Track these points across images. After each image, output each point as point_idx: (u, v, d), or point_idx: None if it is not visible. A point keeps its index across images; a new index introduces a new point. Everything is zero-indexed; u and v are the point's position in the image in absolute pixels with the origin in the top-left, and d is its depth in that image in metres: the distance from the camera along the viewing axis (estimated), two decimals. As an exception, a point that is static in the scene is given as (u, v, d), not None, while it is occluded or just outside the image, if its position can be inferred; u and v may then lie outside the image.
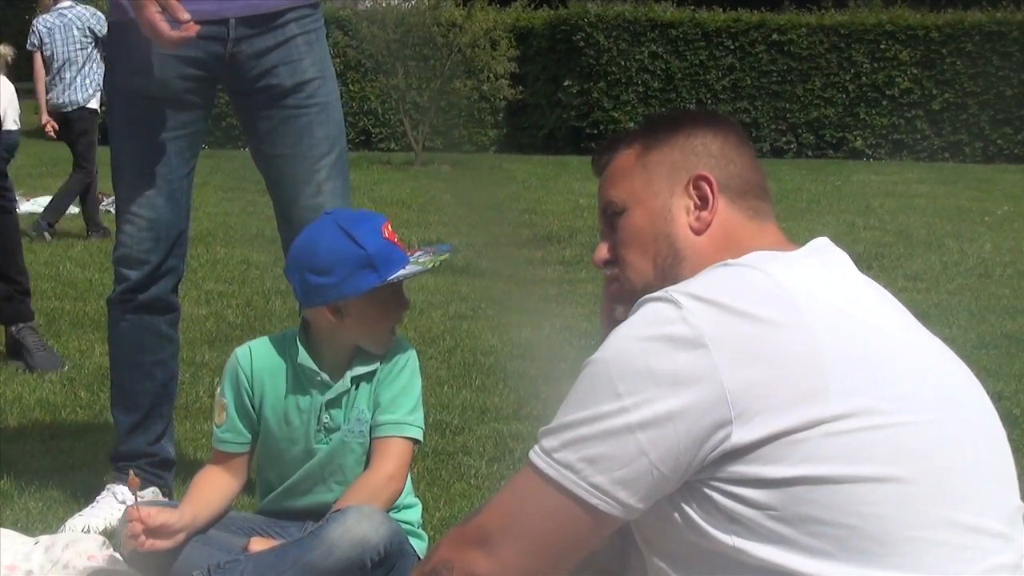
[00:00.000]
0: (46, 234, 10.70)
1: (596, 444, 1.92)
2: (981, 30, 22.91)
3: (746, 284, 1.98)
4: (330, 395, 3.24)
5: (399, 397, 3.25)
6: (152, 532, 3.07)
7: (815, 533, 1.87)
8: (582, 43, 22.37)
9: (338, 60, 22.23)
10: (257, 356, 3.31)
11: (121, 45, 3.80)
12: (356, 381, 3.25)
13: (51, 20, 11.26)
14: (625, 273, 2.22)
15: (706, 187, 2.16)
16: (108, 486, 3.95)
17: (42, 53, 11.32)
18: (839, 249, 2.15)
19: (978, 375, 2.10)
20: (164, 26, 3.61)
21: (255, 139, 3.96)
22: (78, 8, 11.35)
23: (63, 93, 11.20)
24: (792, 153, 22.72)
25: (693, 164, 2.18)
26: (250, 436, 3.31)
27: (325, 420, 3.25)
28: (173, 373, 4.07)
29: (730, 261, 2.04)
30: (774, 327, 1.91)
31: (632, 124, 21.65)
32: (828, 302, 1.98)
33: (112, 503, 3.86)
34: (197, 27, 3.64)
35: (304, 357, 3.24)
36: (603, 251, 2.27)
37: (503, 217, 12.55)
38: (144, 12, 3.61)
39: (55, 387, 5.45)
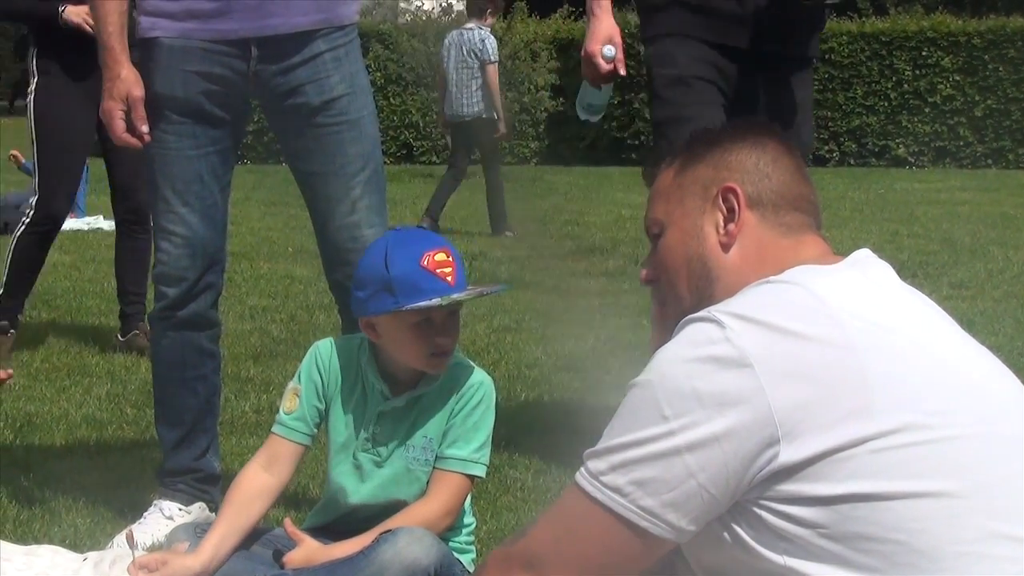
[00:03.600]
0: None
1: (644, 467, 1.92)
2: (1023, 35, 22.81)
3: (788, 301, 1.97)
4: (383, 407, 3.24)
5: (470, 432, 3.23)
6: None
7: (865, 550, 1.86)
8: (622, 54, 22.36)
9: (379, 74, 22.35)
10: (337, 351, 3.32)
11: (147, 62, 3.82)
12: (414, 401, 3.24)
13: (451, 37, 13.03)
14: (664, 294, 2.22)
15: (733, 199, 2.16)
16: (155, 502, 3.96)
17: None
18: (882, 260, 2.14)
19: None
20: (120, 124, 3.72)
21: (289, 156, 3.96)
22: (470, 32, 12.80)
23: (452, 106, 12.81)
24: (835, 162, 22.68)
25: (724, 178, 2.18)
26: (314, 429, 3.31)
27: (375, 431, 3.25)
28: (216, 388, 4.07)
29: (772, 278, 2.03)
30: (818, 344, 1.90)
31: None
32: (871, 317, 1.97)
33: (160, 519, 3.87)
34: (149, 139, 3.72)
35: (368, 363, 3.25)
36: (644, 272, 2.28)
37: (546, 229, 12.55)
38: (106, 103, 3.73)
39: (101, 403, 5.48)
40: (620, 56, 4.29)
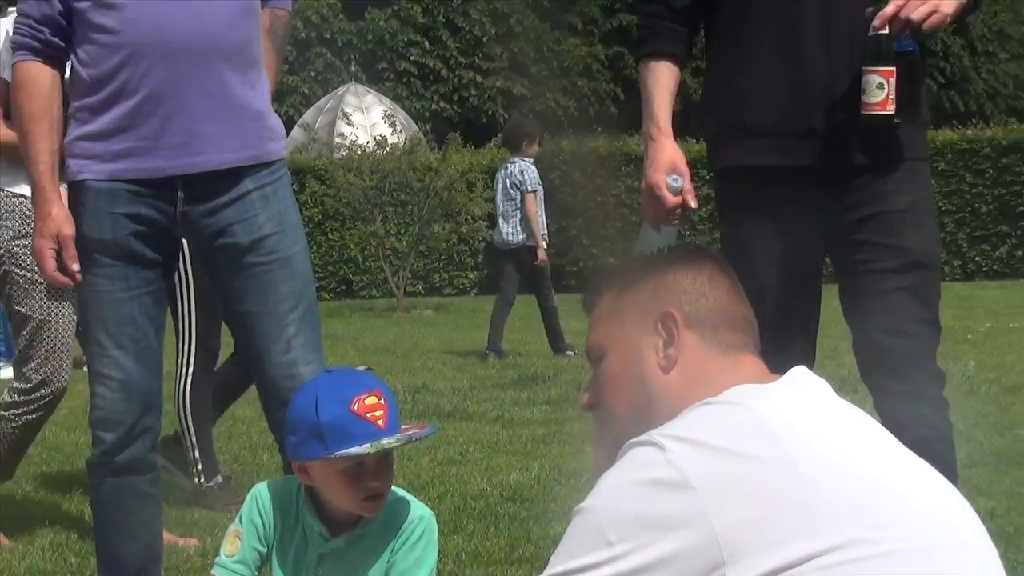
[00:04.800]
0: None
1: None
2: (953, 148, 23.15)
3: (727, 422, 1.97)
4: (323, 549, 3.20)
5: (413, 568, 3.19)
6: None
7: None
8: (558, 180, 22.53)
9: (316, 210, 22.42)
10: (276, 493, 3.28)
11: (76, 205, 3.81)
12: (355, 541, 3.20)
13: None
14: (605, 417, 2.22)
15: (672, 323, 2.17)
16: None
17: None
18: (818, 377, 2.15)
19: (968, 494, 2.09)
20: (51, 263, 3.74)
21: (222, 296, 3.95)
22: (513, 165, 13.20)
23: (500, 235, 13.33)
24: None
25: (663, 301, 2.19)
26: (256, 572, 3.27)
27: (318, 573, 3.21)
28: (157, 533, 4.02)
29: (711, 399, 2.04)
30: (758, 463, 1.90)
31: (612, 259, 21.76)
32: (810, 434, 1.97)
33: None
34: (79, 278, 3.74)
35: (306, 505, 3.22)
36: (585, 397, 2.28)
37: (487, 359, 12.55)
38: (37, 241, 3.75)
39: (45, 554, 5.39)
40: (688, 186, 3.67)
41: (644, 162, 3.73)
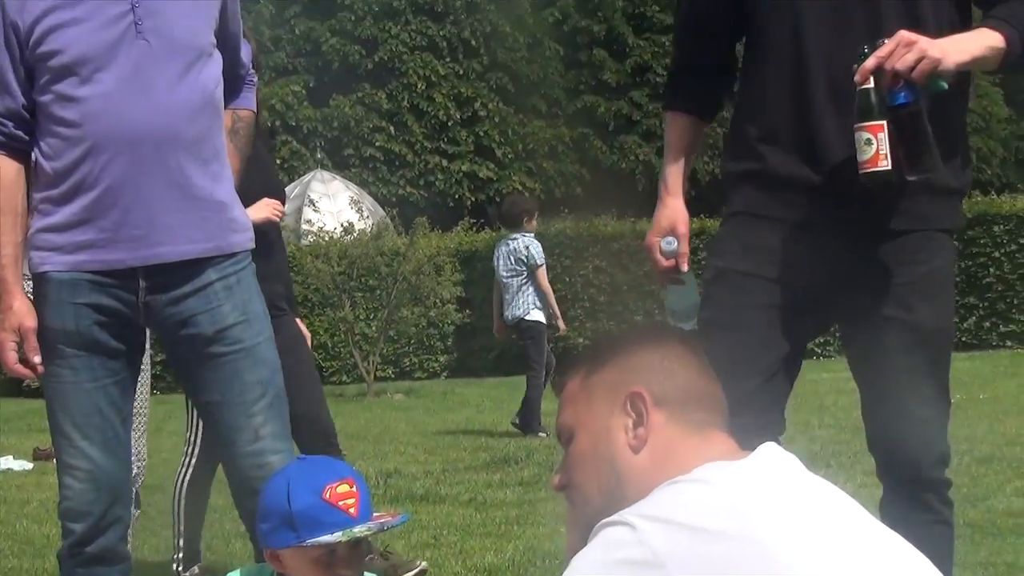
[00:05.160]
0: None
1: None
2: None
3: (697, 499, 1.98)
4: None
5: None
6: None
7: None
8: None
9: (285, 297, 22.36)
10: None
11: (39, 297, 3.81)
12: None
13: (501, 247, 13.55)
14: (576, 498, 2.22)
15: (640, 403, 2.17)
16: None
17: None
18: (788, 453, 2.15)
19: (943, 568, 2.09)
20: (11, 355, 3.76)
21: (186, 386, 3.96)
22: (515, 241, 13.27)
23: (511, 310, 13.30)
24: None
25: (631, 381, 2.20)
26: None
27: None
28: (130, 623, 3.99)
29: (681, 478, 2.04)
30: (728, 540, 1.91)
31: (582, 340, 21.78)
32: (779, 510, 1.98)
33: None
34: (41, 370, 3.72)
35: None
36: (557, 479, 2.28)
37: (459, 442, 12.53)
38: None
39: (14, 649, 5.35)
40: (684, 248, 3.69)
41: None
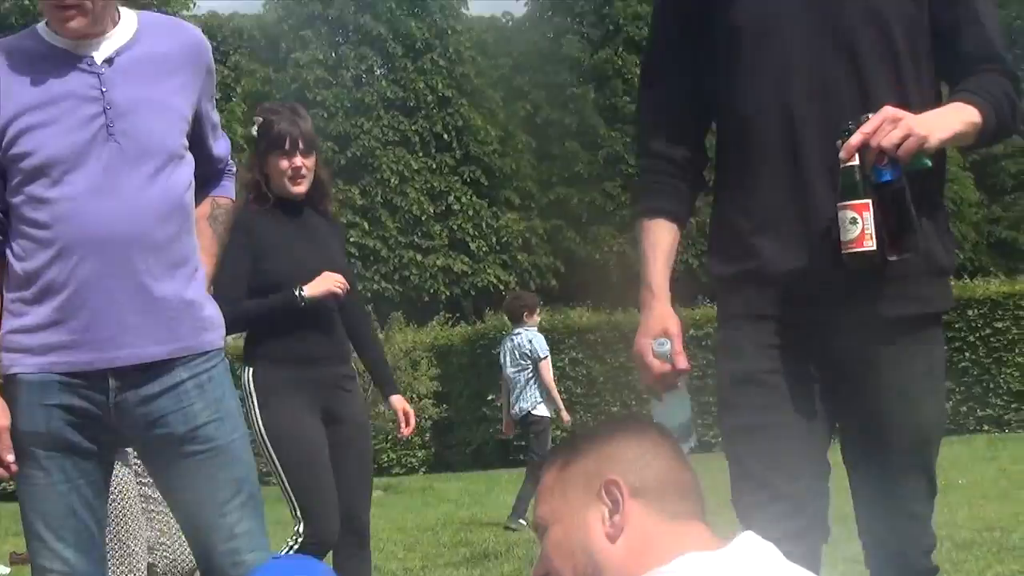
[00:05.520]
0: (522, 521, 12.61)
1: None
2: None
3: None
4: None
5: None
6: None
7: None
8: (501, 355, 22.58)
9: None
10: None
11: (10, 400, 3.79)
12: None
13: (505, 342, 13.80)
14: None
15: (616, 491, 2.17)
16: None
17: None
18: (766, 542, 2.14)
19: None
20: None
21: (160, 484, 3.93)
22: (518, 336, 13.47)
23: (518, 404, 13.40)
24: (719, 446, 22.82)
25: (607, 470, 2.20)
26: None
27: None
28: None
29: (660, 569, 2.03)
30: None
31: (560, 433, 21.80)
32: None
33: None
34: (15, 469, 3.71)
35: None
36: (534, 571, 2.27)
37: (438, 538, 12.46)
38: None
39: None
40: (678, 348, 3.41)
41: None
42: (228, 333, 4.10)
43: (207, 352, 3.86)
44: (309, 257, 5.84)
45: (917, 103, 3.25)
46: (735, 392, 3.40)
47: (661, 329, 3.42)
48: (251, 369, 5.89)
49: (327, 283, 5.82)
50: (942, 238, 3.40)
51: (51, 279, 3.72)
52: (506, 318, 15.02)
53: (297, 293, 5.76)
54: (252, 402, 5.83)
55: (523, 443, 22.43)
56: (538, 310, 13.95)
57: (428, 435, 23.55)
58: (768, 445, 3.32)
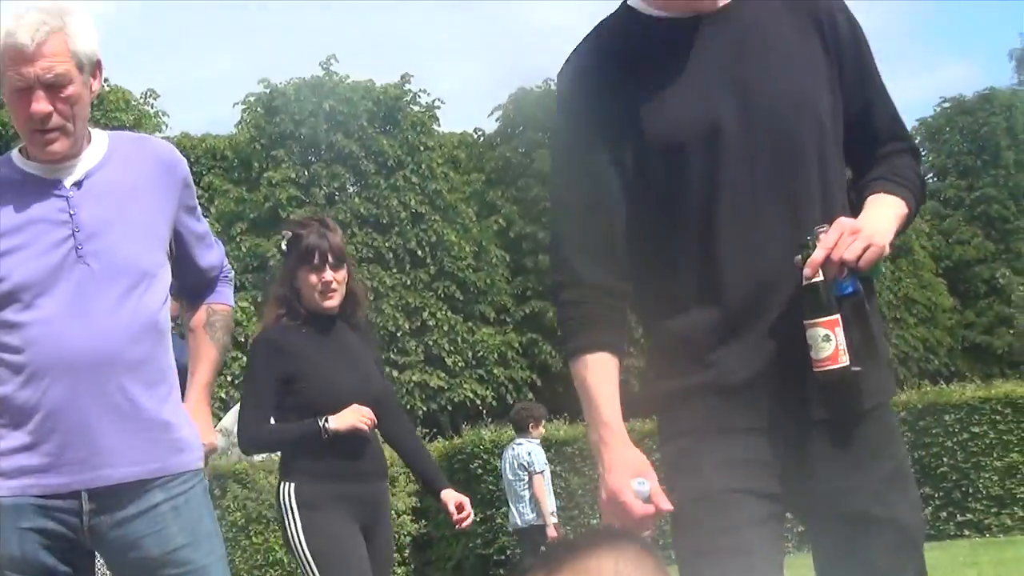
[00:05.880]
0: None
1: None
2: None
3: None
4: None
5: None
6: None
7: None
8: (480, 470, 22.45)
9: (239, 514, 22.11)
10: None
11: None
12: None
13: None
14: None
15: None
16: None
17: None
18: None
19: None
20: None
21: None
22: (519, 447, 13.82)
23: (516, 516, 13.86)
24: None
25: None
26: None
27: None
28: None
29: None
30: None
31: (541, 548, 21.60)
32: None
33: None
34: None
35: None
36: None
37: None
38: None
39: None
40: (657, 487, 3.17)
41: (600, 470, 3.22)
42: (247, 454, 4.10)
43: (183, 473, 3.85)
44: (340, 378, 5.72)
45: (839, 203, 3.23)
46: (693, 510, 3.20)
47: (637, 468, 3.19)
48: (291, 484, 5.73)
49: (353, 418, 5.66)
50: (883, 327, 3.39)
51: (22, 403, 3.71)
52: (512, 427, 15.20)
53: (322, 424, 5.61)
54: (293, 519, 5.71)
55: (503, 557, 22.33)
56: (543, 423, 14.22)
57: (408, 551, 23.36)
58: (737, 563, 3.15)
